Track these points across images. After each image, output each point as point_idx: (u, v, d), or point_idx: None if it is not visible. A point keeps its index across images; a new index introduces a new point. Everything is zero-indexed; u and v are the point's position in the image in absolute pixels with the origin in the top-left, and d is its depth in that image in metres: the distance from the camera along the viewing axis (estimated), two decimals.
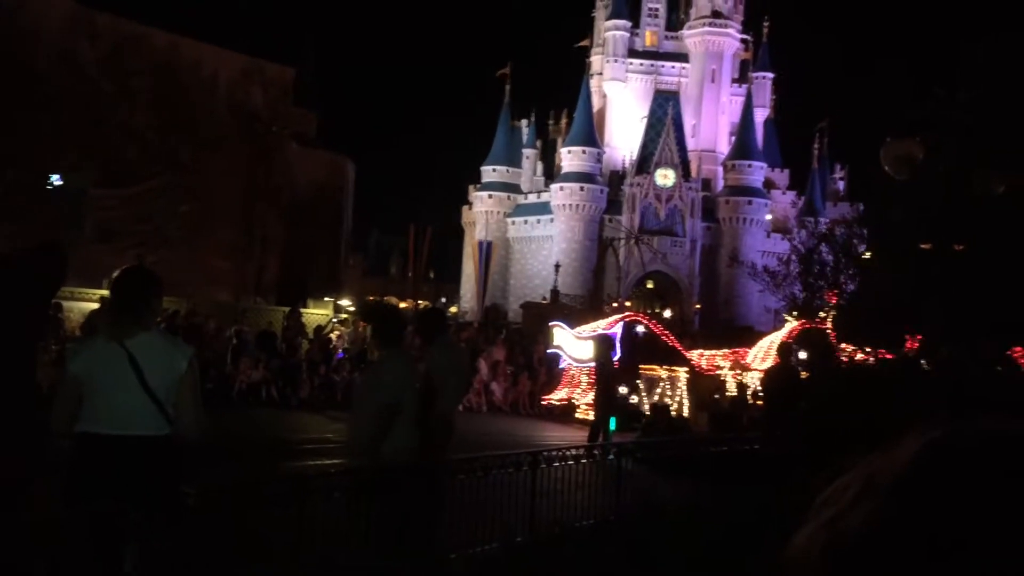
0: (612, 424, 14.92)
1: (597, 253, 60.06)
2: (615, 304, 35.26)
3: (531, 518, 7.72)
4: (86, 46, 28.23)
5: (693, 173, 60.78)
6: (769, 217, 60.69)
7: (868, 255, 22.14)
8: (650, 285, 57.89)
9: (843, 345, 17.77)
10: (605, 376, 14.93)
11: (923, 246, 15.84)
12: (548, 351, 22.10)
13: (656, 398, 19.14)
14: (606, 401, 14.85)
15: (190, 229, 29.13)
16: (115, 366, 3.97)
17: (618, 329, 19.47)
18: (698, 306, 55.38)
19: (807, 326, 19.59)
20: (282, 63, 33.84)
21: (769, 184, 62.79)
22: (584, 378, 20.38)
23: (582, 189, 60.34)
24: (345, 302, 35.84)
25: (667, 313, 37.34)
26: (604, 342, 16.16)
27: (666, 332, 20.99)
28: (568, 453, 8.82)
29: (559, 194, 61.00)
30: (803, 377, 12.89)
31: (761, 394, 16.02)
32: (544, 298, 49.73)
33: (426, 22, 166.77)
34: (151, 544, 4.00)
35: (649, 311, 36.92)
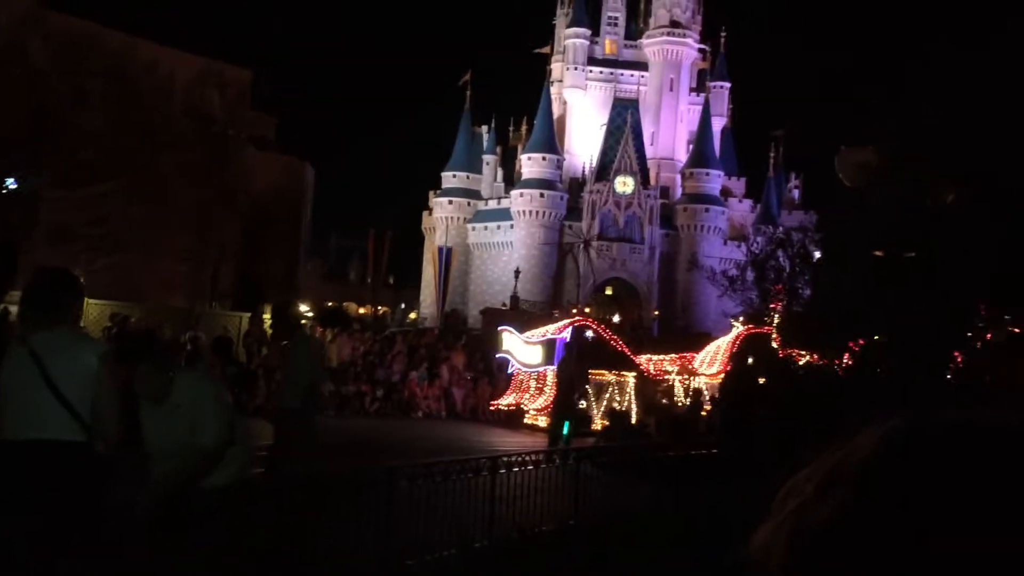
0: (565, 428, 14.96)
1: (557, 259, 60.24)
2: (575, 310, 35.37)
3: (490, 524, 7.70)
4: (40, 46, 27.68)
5: (652, 181, 61.29)
6: (731, 216, 61.37)
7: (821, 261, 22.52)
8: (609, 291, 58.20)
9: (787, 350, 18.07)
10: (567, 380, 14.95)
11: (876, 253, 16.16)
12: (497, 356, 22.09)
13: (605, 403, 19.25)
14: (566, 406, 14.89)
15: (145, 233, 28.65)
16: (21, 367, 3.74)
17: (568, 334, 19.55)
18: (656, 312, 55.80)
19: (753, 332, 19.88)
20: (240, 66, 33.47)
21: (726, 192, 63.53)
22: (533, 383, 20.42)
23: (542, 195, 60.51)
24: (304, 307, 35.49)
25: (616, 318, 37.47)
26: (563, 347, 16.20)
27: (615, 337, 21.09)
28: (527, 458, 8.82)
29: (519, 200, 61.11)
30: (759, 382, 13.06)
31: (716, 399, 16.20)
32: (504, 304, 49.73)
33: (387, 27, 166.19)
34: (54, 567, 3.63)
35: (607, 317, 37.10)
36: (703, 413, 16.77)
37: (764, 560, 0.70)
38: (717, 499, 7.23)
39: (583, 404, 18.62)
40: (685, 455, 10.55)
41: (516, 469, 8.40)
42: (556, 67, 66.61)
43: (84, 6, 29.10)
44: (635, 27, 66.94)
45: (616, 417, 18.18)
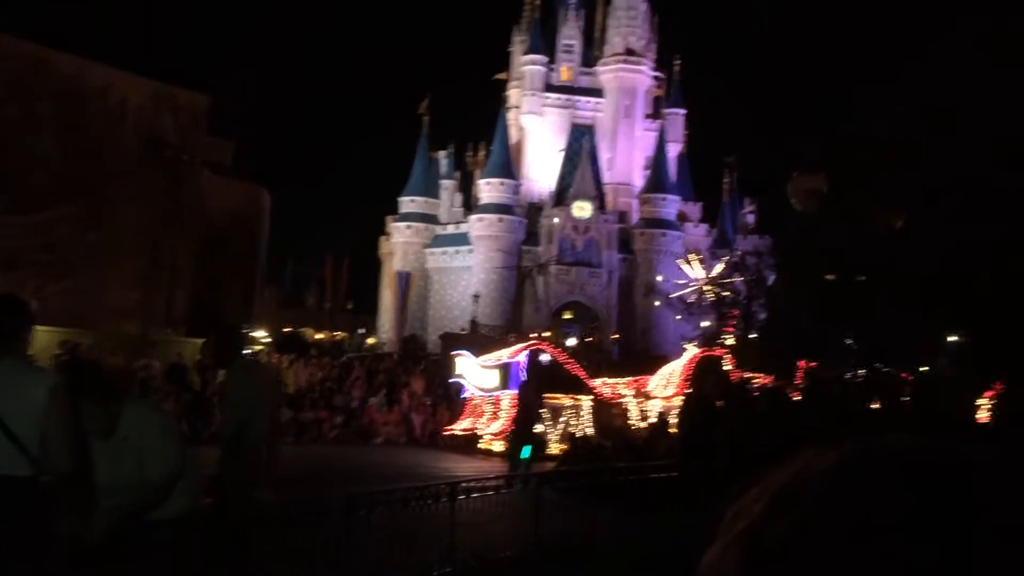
0: (526, 452, 14.92)
1: (516, 284, 60.35)
2: (534, 335, 35.42)
3: (450, 550, 7.64)
4: None
5: (609, 205, 61.82)
6: (687, 240, 62.06)
7: (775, 284, 22.89)
8: (568, 315, 58.40)
9: (740, 373, 18.32)
10: (526, 404, 14.93)
11: (827, 277, 16.46)
12: (450, 380, 22.01)
13: (561, 427, 19.27)
14: (526, 429, 14.84)
15: (97, 259, 28.14)
16: None
17: (523, 357, 19.57)
18: (615, 336, 56.09)
19: (706, 354, 20.13)
20: (197, 91, 33.16)
21: (683, 217, 64.28)
22: (488, 407, 20.37)
23: (500, 220, 60.68)
24: (260, 333, 35.07)
25: (571, 342, 37.57)
26: (523, 371, 16.19)
27: (570, 360, 21.17)
28: (488, 483, 8.78)
29: (478, 225, 61.21)
30: (717, 405, 13.16)
31: (675, 422, 16.30)
32: (463, 328, 49.60)
33: (345, 53, 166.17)
34: None
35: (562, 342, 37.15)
36: (668, 433, 16.85)
37: None
38: (677, 523, 7.26)
39: (539, 428, 18.62)
40: (645, 479, 10.58)
41: (476, 495, 8.36)
42: (513, 93, 67.09)
43: (35, 29, 28.71)
44: (591, 54, 67.75)
45: (578, 440, 18.20)
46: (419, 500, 7.49)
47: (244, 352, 7.59)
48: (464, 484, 8.42)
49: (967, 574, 0.61)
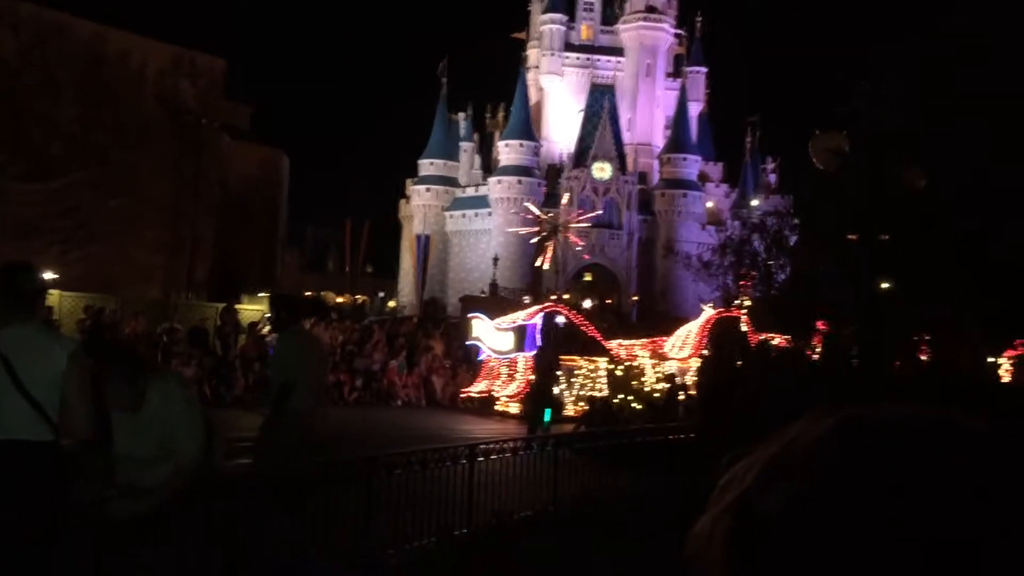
0: (547, 415, 14.99)
1: (535, 246, 60.26)
2: (553, 296, 35.40)
3: (469, 511, 7.73)
4: (8, 36, 27.25)
5: (629, 166, 61.32)
6: (710, 205, 61.57)
7: (796, 245, 22.70)
8: (588, 278, 58.30)
9: (759, 334, 18.26)
10: (544, 367, 14.98)
11: (850, 237, 16.29)
12: (467, 343, 22.07)
13: (575, 388, 19.33)
14: (545, 392, 14.90)
15: (118, 224, 28.37)
16: None
17: (538, 320, 19.58)
18: (635, 298, 55.97)
19: (723, 315, 20.05)
20: (214, 54, 33.11)
21: (704, 177, 63.71)
22: (504, 370, 20.44)
23: (520, 182, 60.43)
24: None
25: (587, 303, 37.50)
26: (539, 333, 16.22)
27: (586, 323, 21.15)
28: (506, 446, 8.85)
29: (497, 187, 60.99)
30: (737, 366, 13.16)
31: (695, 383, 16.31)
32: (483, 291, 49.68)
33: (363, 15, 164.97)
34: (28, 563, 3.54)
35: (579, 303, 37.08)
36: (680, 398, 16.88)
37: (704, 551, 0.69)
38: (694, 486, 7.30)
39: (555, 390, 18.71)
40: (663, 440, 10.62)
41: (495, 457, 8.43)
42: (532, 53, 66.41)
43: None
44: (611, 12, 66.82)
45: (597, 402, 18.27)
46: (437, 463, 7.56)
47: (297, 319, 7.83)
48: (483, 446, 8.50)
49: (958, 545, 0.61)
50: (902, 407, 0.70)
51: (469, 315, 22.71)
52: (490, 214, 61.46)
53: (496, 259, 55.40)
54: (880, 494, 0.63)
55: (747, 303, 20.10)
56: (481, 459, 8.15)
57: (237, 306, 25.48)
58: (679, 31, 66.79)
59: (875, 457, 0.65)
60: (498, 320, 20.85)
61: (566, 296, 37.96)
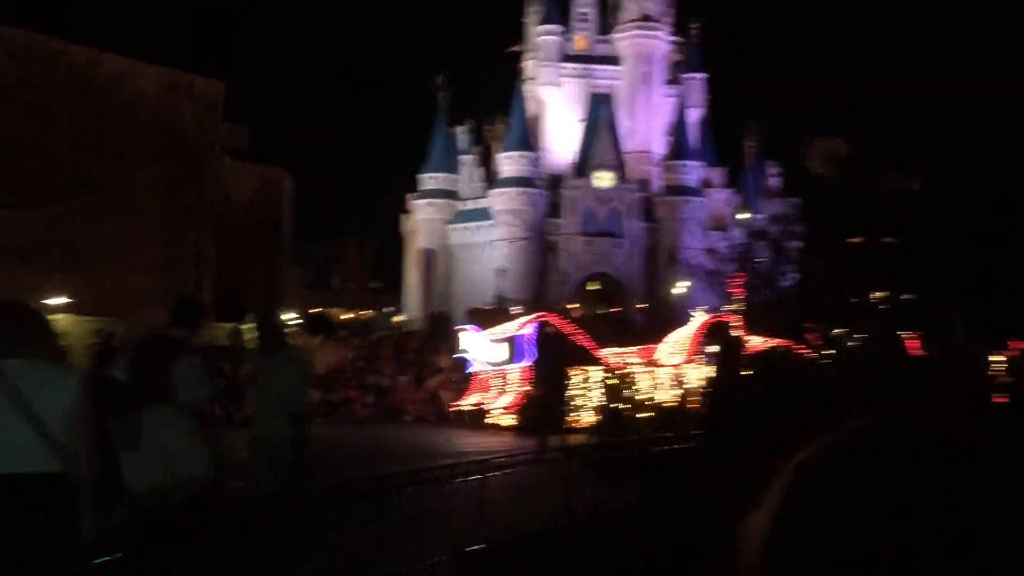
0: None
1: (540, 257, 60.27)
2: (562, 308, 35.42)
3: (480, 527, 7.72)
4: (3, 63, 27.40)
5: (630, 174, 61.38)
6: (711, 206, 61.54)
7: (799, 249, 22.67)
8: (593, 286, 58.29)
9: (750, 336, 18.24)
10: (546, 378, 14.95)
11: (849, 240, 16.28)
12: (455, 356, 22.04)
13: (580, 398, 19.27)
14: (555, 402, 14.86)
15: (116, 248, 28.44)
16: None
17: (530, 330, 19.56)
18: (640, 305, 55.94)
19: (715, 320, 20.01)
20: (212, 77, 33.27)
21: (706, 183, 63.73)
22: (496, 381, 20.38)
23: (521, 194, 60.52)
24: (290, 315, 35.34)
25: (575, 312, 37.45)
26: (538, 344, 16.20)
27: (577, 332, 21.12)
28: (517, 459, 8.85)
29: (499, 199, 61.07)
30: (741, 374, 13.14)
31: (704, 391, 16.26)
32: (487, 304, 49.69)
33: (358, 31, 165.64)
34: None
35: (591, 312, 37.08)
36: (690, 406, 16.84)
37: (746, 545, 0.72)
38: (705, 493, 7.28)
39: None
40: (673, 450, 10.60)
41: (507, 471, 8.43)
42: (529, 65, 66.58)
43: (49, 21, 28.87)
44: (606, 22, 67.00)
45: (607, 412, 18.22)
46: (449, 480, 7.57)
47: (283, 339, 7.79)
48: (494, 460, 8.50)
49: (962, 556, 0.62)
50: (912, 419, 0.71)
51: (456, 328, 22.73)
52: (493, 226, 61.53)
53: (503, 270, 55.41)
54: (886, 508, 0.65)
55: (740, 308, 20.06)
56: (493, 474, 8.15)
57: (242, 327, 25.52)
58: (675, 38, 66.90)
59: (882, 471, 0.67)
60: (490, 331, 20.88)
61: (576, 306, 37.93)
